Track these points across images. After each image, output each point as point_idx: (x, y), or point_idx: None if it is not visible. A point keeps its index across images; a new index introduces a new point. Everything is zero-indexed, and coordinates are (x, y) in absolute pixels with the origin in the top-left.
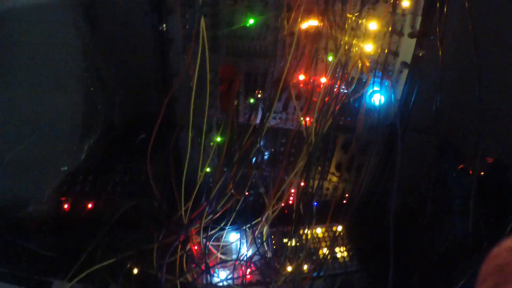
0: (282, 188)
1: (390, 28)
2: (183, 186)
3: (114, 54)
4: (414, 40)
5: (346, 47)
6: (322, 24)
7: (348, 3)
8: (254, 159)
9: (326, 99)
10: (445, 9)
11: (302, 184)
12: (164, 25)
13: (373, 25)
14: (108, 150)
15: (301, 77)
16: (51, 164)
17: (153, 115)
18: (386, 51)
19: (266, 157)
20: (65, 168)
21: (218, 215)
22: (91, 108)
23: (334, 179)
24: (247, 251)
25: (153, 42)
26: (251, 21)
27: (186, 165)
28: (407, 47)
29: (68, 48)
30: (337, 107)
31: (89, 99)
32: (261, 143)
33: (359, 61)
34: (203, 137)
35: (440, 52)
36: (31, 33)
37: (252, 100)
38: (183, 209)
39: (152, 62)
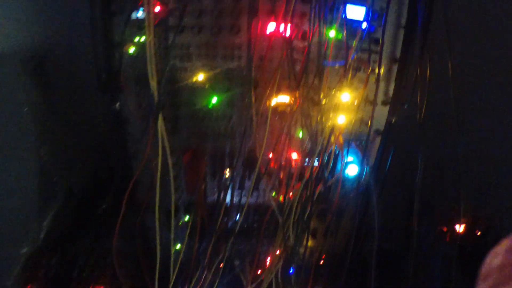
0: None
1: (363, 98)
2: (157, 272)
3: (68, 120)
4: (386, 108)
5: (318, 120)
6: (293, 100)
7: (323, 78)
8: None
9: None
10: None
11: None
12: (118, 104)
13: (346, 96)
14: (70, 224)
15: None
16: (9, 246)
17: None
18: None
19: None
20: (25, 249)
21: None
22: (46, 177)
23: (310, 244)
24: None
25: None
26: (214, 100)
27: (158, 250)
28: (380, 115)
29: (17, 111)
30: (313, 187)
31: (43, 168)
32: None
33: (332, 136)
34: (172, 218)
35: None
36: None
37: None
38: None
39: (108, 141)
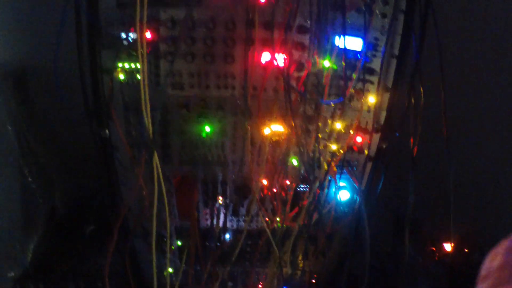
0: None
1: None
2: None
3: (52, 141)
4: (378, 135)
5: (311, 148)
6: (286, 129)
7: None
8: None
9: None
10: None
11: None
12: (107, 131)
13: (338, 125)
14: (56, 246)
15: (264, 181)
16: None
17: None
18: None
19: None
20: (12, 273)
21: None
22: (30, 198)
23: (302, 264)
24: None
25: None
26: (207, 129)
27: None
28: (372, 141)
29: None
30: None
31: (27, 188)
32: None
33: (325, 164)
34: (168, 244)
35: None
36: None
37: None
38: None
39: (94, 165)
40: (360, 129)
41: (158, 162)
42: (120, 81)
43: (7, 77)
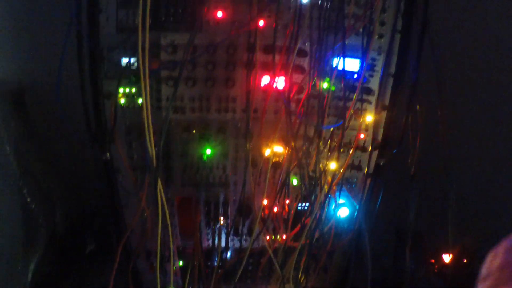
0: None
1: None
2: None
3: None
4: (376, 152)
5: (312, 168)
6: (287, 150)
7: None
8: None
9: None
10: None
11: None
12: (108, 154)
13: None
14: (56, 265)
15: (265, 201)
16: None
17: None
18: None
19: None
20: None
21: None
22: (30, 217)
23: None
24: None
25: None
26: (208, 151)
27: None
28: (370, 158)
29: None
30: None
31: (27, 207)
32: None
33: (325, 185)
34: (171, 263)
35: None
36: None
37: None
38: None
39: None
40: (359, 147)
41: (161, 189)
42: (121, 105)
43: (6, 97)
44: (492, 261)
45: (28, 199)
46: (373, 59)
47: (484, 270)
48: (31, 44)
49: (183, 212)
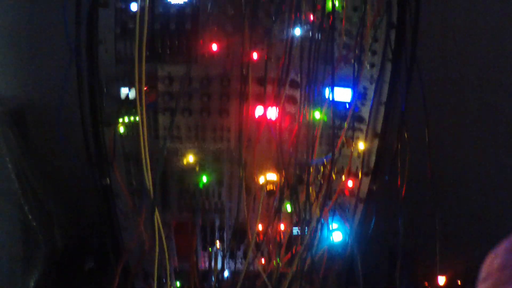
0: None
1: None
2: None
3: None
4: (368, 178)
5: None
6: (280, 178)
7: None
8: None
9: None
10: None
11: None
12: (108, 179)
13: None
14: (56, 284)
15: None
16: None
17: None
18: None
19: None
20: None
21: None
22: (30, 236)
23: None
24: None
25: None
26: (204, 179)
27: None
28: (362, 184)
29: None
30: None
31: (28, 225)
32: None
33: (318, 211)
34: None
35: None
36: None
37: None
38: None
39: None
40: (351, 174)
41: (159, 218)
42: (120, 133)
43: (9, 115)
44: (492, 262)
45: (29, 217)
46: (365, 88)
47: (484, 270)
48: (33, 64)
49: (180, 235)
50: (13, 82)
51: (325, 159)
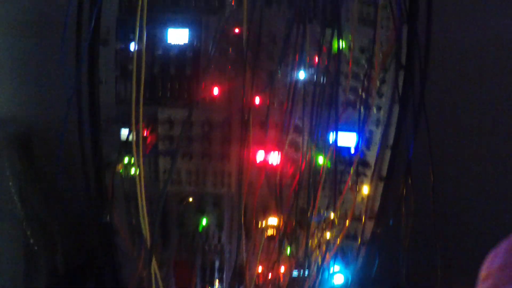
0: None
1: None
2: None
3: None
4: (372, 221)
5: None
6: (281, 223)
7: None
8: None
9: None
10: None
11: None
12: (108, 217)
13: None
14: None
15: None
16: None
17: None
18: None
19: None
20: None
21: None
22: (32, 259)
23: None
24: None
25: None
26: (204, 223)
27: None
28: (366, 227)
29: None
30: None
31: (30, 250)
32: None
33: (319, 256)
34: None
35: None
36: None
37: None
38: None
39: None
40: (354, 218)
41: (156, 268)
42: (121, 174)
43: (13, 139)
44: (492, 262)
45: (31, 240)
46: (371, 132)
47: (484, 270)
48: (38, 88)
49: (179, 274)
50: (20, 106)
51: (326, 216)
